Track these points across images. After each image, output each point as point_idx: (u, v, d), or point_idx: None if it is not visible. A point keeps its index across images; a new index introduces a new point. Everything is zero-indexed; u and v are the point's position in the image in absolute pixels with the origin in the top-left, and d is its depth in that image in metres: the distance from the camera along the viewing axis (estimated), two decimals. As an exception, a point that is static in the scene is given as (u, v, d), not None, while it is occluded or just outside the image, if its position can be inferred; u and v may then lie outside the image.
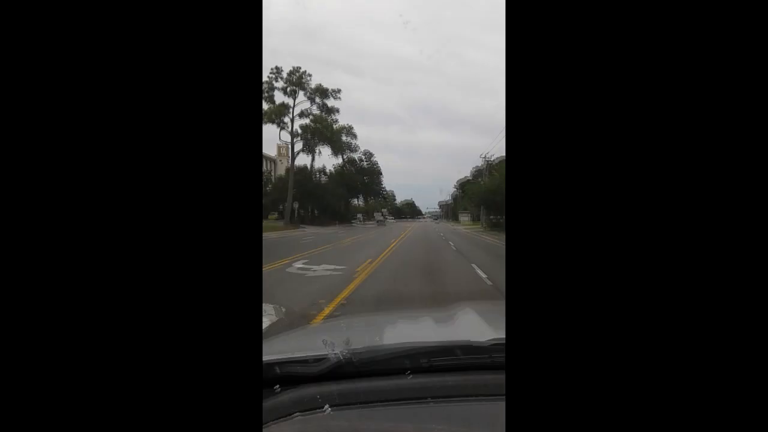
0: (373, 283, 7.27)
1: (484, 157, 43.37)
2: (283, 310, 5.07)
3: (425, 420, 0.80)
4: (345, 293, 6.38)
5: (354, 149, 51.76)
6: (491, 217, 37.46)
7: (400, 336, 1.58)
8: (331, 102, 39.86)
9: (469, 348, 0.96)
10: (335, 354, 0.92)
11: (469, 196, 40.99)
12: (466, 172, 67.99)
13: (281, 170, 51.93)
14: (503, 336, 0.72)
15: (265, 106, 35.63)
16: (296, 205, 38.67)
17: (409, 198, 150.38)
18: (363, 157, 62.24)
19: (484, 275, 8.38)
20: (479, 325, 1.48)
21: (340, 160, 53.35)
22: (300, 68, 37.58)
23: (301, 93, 38.53)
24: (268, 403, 0.82)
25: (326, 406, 0.82)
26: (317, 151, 44.01)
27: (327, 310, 5.22)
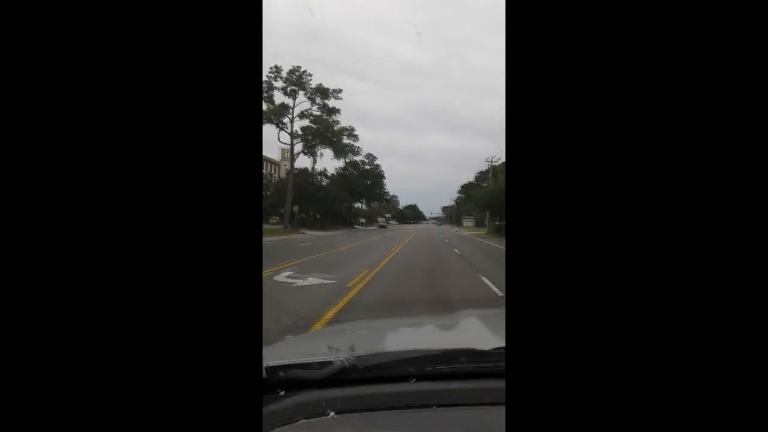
0: (364, 304, 6.17)
1: (489, 161, 42.49)
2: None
3: (429, 426, 0.81)
4: (328, 315, 5.29)
5: (356, 152, 50.84)
6: (496, 221, 36.46)
7: (404, 342, 1.54)
8: (332, 102, 38.90)
9: (473, 355, 0.96)
10: (340, 359, 0.91)
11: (474, 200, 40.00)
12: (469, 176, 67.61)
13: (284, 173, 51.01)
14: None
15: (264, 106, 34.72)
16: (296, 209, 37.61)
17: (412, 202, 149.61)
18: (365, 160, 61.35)
19: (494, 287, 7.40)
20: (483, 332, 1.47)
21: (342, 163, 52.58)
22: (300, 67, 36.61)
23: (301, 93, 37.60)
24: (272, 408, 0.83)
25: (330, 412, 0.82)
26: (318, 153, 43.08)
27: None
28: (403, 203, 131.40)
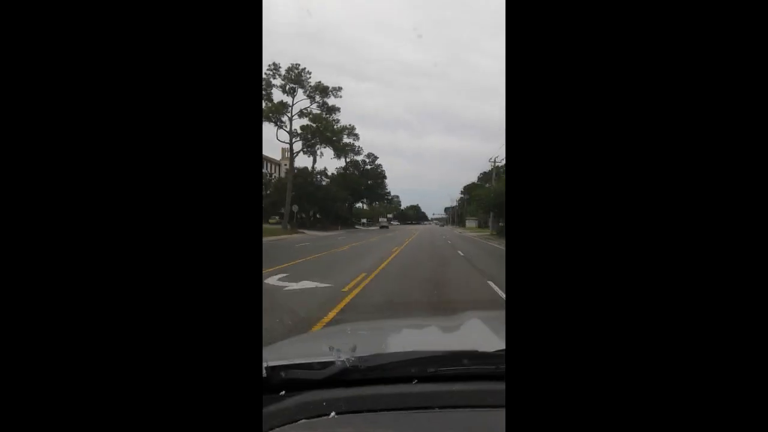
0: (358, 314, 5.46)
1: (493, 161, 41.82)
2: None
3: (431, 428, 0.81)
4: (315, 328, 4.58)
5: (357, 151, 50.15)
6: (500, 222, 35.76)
7: (406, 343, 1.52)
8: (332, 101, 38.18)
9: (476, 357, 0.96)
10: (341, 360, 0.92)
11: (476, 201, 39.31)
12: (472, 177, 67.07)
13: (284, 173, 50.32)
14: None
15: (262, 104, 34.04)
16: (296, 209, 36.94)
17: (415, 203, 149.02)
18: (366, 159, 60.66)
19: (503, 294, 6.61)
20: (486, 334, 1.45)
21: (342, 163, 51.92)
22: (299, 65, 35.93)
23: (300, 92, 36.91)
24: (273, 408, 0.83)
25: (332, 412, 0.83)
26: (319, 152, 42.39)
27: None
28: (405, 204, 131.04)
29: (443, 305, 5.96)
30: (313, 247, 17.39)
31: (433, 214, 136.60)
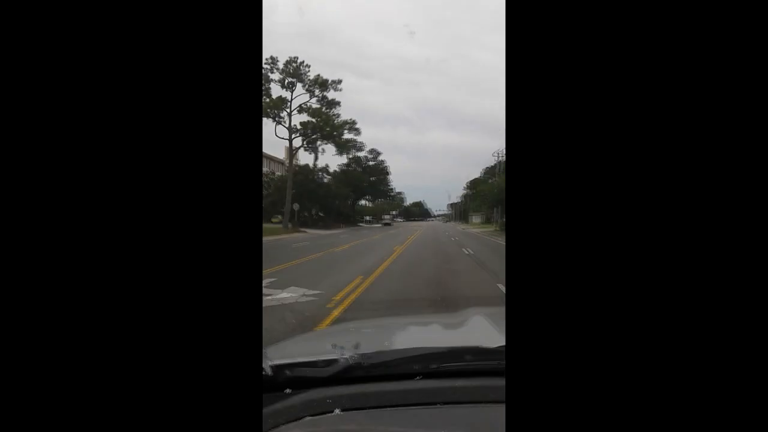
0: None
1: (496, 155, 40.95)
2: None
3: (434, 424, 0.82)
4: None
5: (359, 148, 49.25)
6: (504, 218, 34.90)
7: (409, 340, 1.53)
8: (332, 95, 37.23)
9: (479, 352, 0.98)
10: (345, 357, 0.93)
11: (481, 196, 38.45)
12: (476, 173, 66.28)
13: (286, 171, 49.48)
14: None
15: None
16: (297, 207, 36.12)
17: (418, 199, 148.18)
18: (369, 155, 59.73)
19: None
20: (490, 331, 1.41)
21: (345, 159, 51.00)
22: (297, 58, 34.92)
23: (299, 86, 36.00)
24: (278, 406, 0.84)
25: (336, 409, 0.83)
26: (320, 149, 41.53)
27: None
28: (409, 200, 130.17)
29: (450, 310, 5.11)
30: (311, 247, 16.59)
31: (438, 211, 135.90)
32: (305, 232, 32.36)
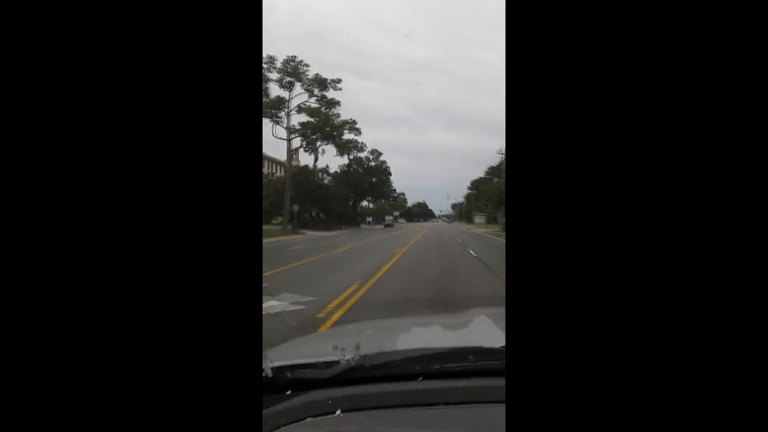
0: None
1: (502, 153, 40.17)
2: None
3: (436, 424, 0.82)
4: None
5: (360, 148, 48.46)
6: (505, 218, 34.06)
7: (411, 341, 1.52)
8: (331, 94, 36.44)
9: (481, 353, 0.96)
10: (346, 358, 0.92)
11: (485, 196, 37.66)
12: (477, 173, 65.69)
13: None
14: None
15: (258, 100, 32.27)
16: (296, 208, 35.35)
17: (420, 200, 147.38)
18: (370, 156, 58.95)
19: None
20: (492, 330, 1.41)
21: (346, 160, 50.21)
22: (295, 57, 34.18)
23: (298, 86, 35.22)
24: (279, 407, 0.84)
25: (337, 410, 0.83)
26: (320, 149, 40.74)
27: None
28: (411, 201, 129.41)
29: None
30: (309, 250, 15.82)
31: (440, 211, 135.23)
32: (305, 233, 31.64)
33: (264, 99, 33.07)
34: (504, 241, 18.30)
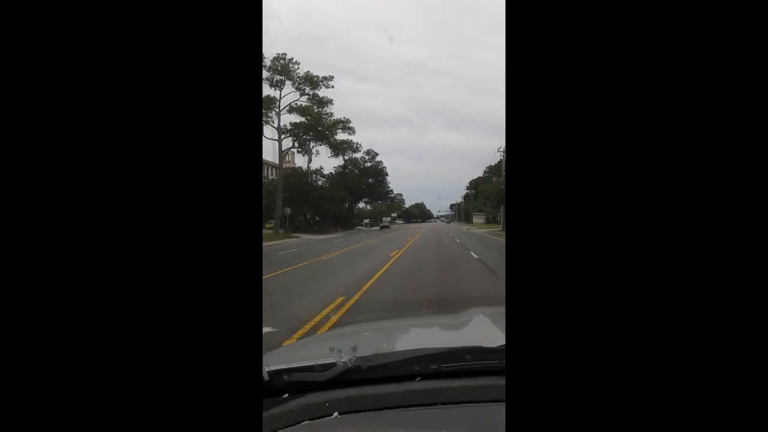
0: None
1: (501, 151, 39.02)
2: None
3: (434, 425, 0.81)
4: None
5: (356, 148, 47.17)
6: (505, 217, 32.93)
7: (409, 342, 1.53)
8: (323, 92, 35.13)
9: (478, 352, 0.96)
10: (343, 360, 0.92)
11: (485, 194, 36.53)
12: (477, 173, 64.87)
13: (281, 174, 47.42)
14: None
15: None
16: (288, 211, 34.07)
17: (419, 200, 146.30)
18: (366, 156, 57.65)
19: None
20: (491, 330, 1.40)
21: (341, 161, 48.90)
22: (285, 54, 32.89)
23: (289, 85, 33.94)
24: (276, 411, 0.84)
25: (334, 412, 0.83)
26: (314, 150, 39.42)
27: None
28: (409, 201, 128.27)
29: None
30: (298, 255, 14.61)
31: (439, 212, 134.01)
32: (298, 237, 30.45)
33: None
34: (503, 240, 17.03)
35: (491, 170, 50.67)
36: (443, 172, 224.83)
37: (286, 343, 4.14)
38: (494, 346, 0.94)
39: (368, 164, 58.47)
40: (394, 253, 14.35)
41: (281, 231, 31.94)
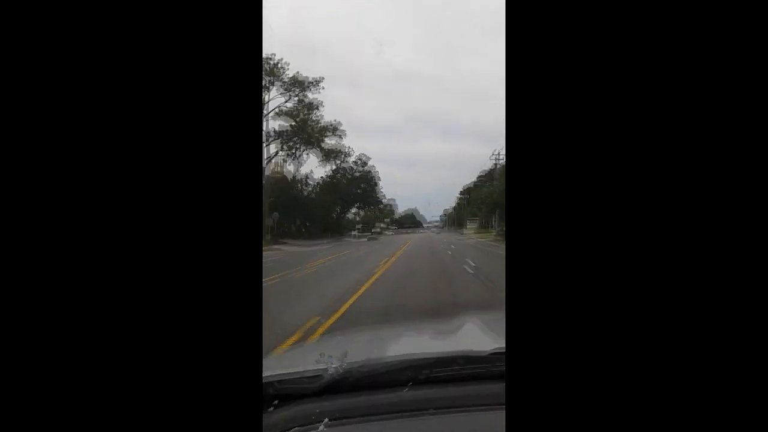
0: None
1: (496, 156, 38.15)
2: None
3: (424, 431, 0.81)
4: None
5: (347, 154, 46.03)
6: (505, 223, 31.91)
7: (399, 348, 1.51)
8: (311, 95, 34.01)
9: (469, 359, 0.96)
10: (333, 367, 0.92)
11: (478, 201, 35.57)
12: (468, 181, 64.11)
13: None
14: (504, 345, 0.75)
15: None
16: (276, 216, 32.88)
17: (411, 207, 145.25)
18: (357, 161, 56.48)
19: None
20: (482, 336, 1.44)
21: (332, 167, 47.70)
22: (274, 55, 31.84)
23: (278, 87, 32.81)
24: (265, 421, 0.83)
25: (325, 419, 0.83)
26: (305, 154, 38.24)
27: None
28: (402, 208, 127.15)
29: None
30: (277, 266, 13.42)
31: (431, 217, 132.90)
32: (284, 245, 29.25)
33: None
34: (499, 251, 15.90)
35: (485, 176, 49.79)
36: (435, 180, 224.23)
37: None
38: (485, 352, 0.93)
39: (357, 174, 57.18)
40: (383, 261, 13.19)
41: (268, 237, 30.70)
